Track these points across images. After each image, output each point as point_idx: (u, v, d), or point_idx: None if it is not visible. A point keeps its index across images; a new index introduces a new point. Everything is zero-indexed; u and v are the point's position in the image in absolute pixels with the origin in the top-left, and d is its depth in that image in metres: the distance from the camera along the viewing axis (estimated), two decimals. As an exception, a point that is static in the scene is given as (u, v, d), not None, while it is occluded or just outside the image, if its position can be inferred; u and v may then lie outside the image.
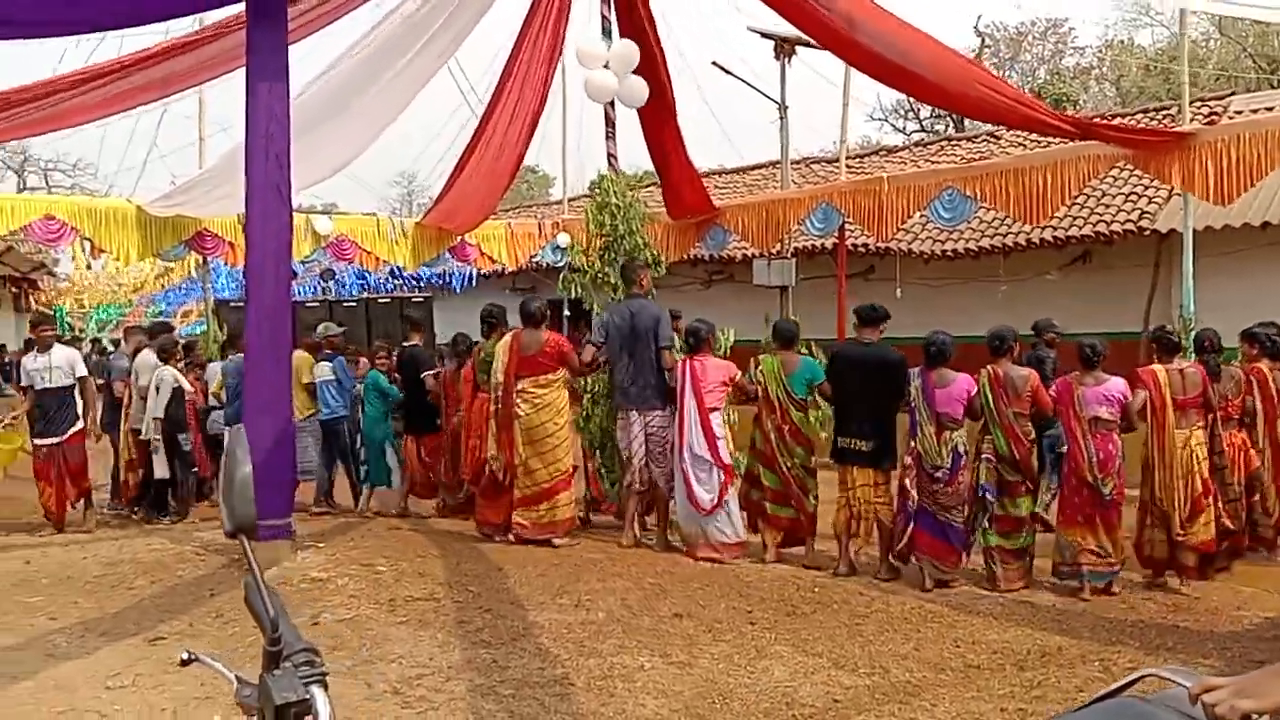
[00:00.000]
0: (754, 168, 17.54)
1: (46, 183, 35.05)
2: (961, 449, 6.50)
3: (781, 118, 12.14)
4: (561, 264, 8.01)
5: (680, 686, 4.66)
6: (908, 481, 6.57)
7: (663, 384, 7.32)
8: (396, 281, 17.15)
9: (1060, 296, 11.36)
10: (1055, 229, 11.28)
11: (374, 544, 7.44)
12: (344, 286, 17.29)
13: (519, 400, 7.34)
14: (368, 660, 4.92)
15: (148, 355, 9.20)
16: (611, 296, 7.88)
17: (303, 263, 13.63)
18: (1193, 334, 7.98)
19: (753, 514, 7.25)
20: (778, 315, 11.32)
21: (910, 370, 6.69)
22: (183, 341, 11.02)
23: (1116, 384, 6.49)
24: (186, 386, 9.16)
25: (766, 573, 6.80)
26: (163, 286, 22.86)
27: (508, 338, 7.57)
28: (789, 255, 12.14)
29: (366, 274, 16.37)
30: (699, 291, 15.11)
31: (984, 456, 6.50)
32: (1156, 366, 6.71)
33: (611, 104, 8.53)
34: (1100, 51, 30.97)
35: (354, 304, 16.26)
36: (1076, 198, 10.13)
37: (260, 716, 1.38)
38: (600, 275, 7.95)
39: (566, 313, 12.87)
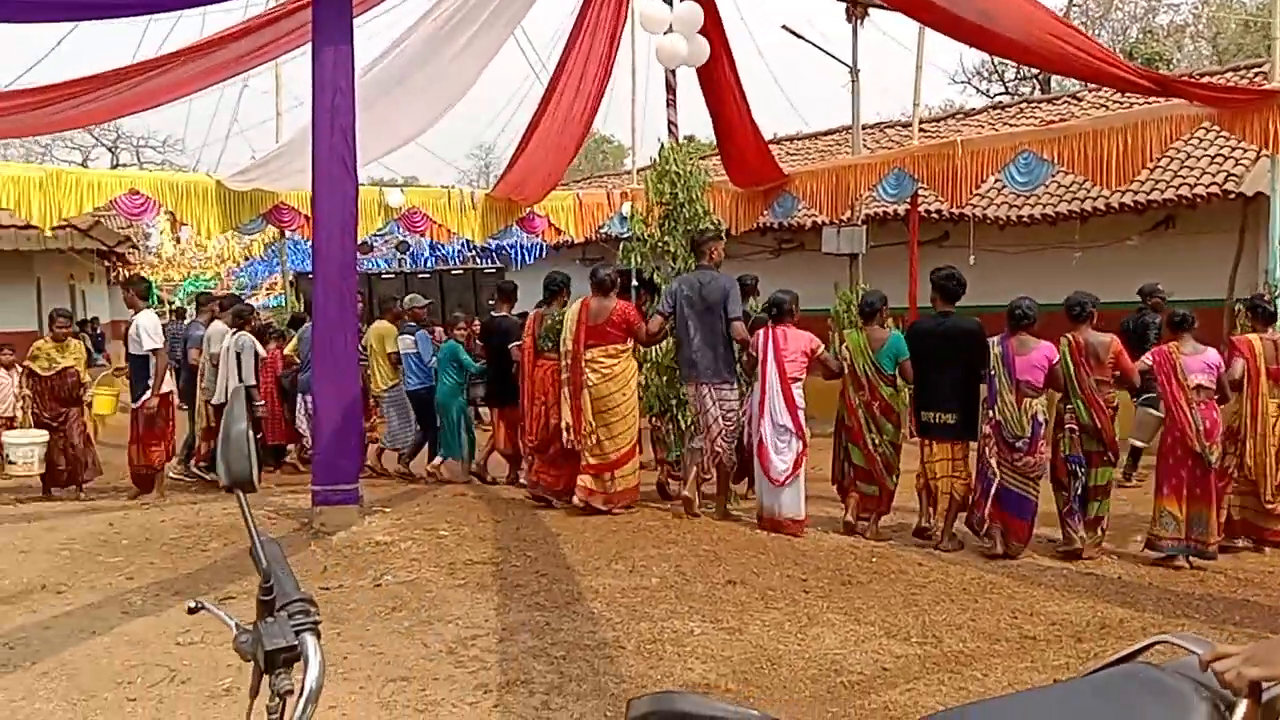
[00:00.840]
0: (825, 134, 17.29)
1: (138, 159, 36.27)
2: (1041, 418, 6.40)
3: (853, 81, 11.93)
4: (628, 234, 8.02)
5: (729, 651, 4.70)
6: (987, 451, 6.49)
7: (731, 357, 7.22)
8: (470, 254, 17.39)
9: (1140, 263, 10.98)
10: (1136, 193, 10.90)
11: (439, 509, 7.61)
12: (418, 259, 17.59)
13: (588, 369, 7.33)
14: (425, 621, 5.06)
15: (219, 325, 9.49)
16: (672, 266, 7.88)
17: (377, 235, 13.92)
18: None
19: (843, 491, 7.20)
20: (847, 284, 11.21)
21: (990, 338, 6.62)
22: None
23: (1212, 353, 6.49)
24: (262, 352, 9.43)
25: (824, 542, 6.79)
26: (244, 260, 23.53)
27: (576, 305, 7.53)
28: (859, 222, 11.96)
29: (440, 246, 16.63)
30: (768, 260, 14.98)
31: (1067, 427, 6.44)
32: (1252, 335, 6.70)
33: (673, 71, 8.49)
34: (1196, 7, 29.64)
35: (428, 275, 16.53)
36: (1159, 160, 9.80)
37: (254, 661, 1.45)
38: (660, 244, 7.94)
39: (635, 283, 12.90)
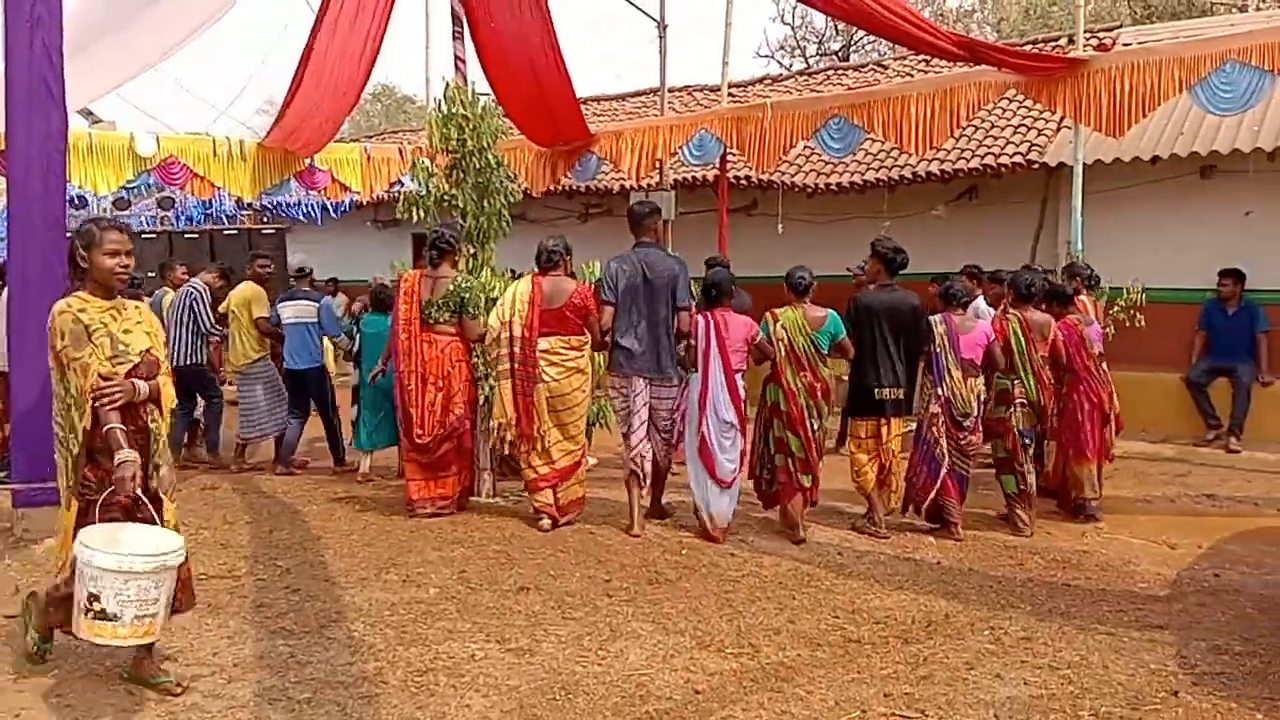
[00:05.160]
0: (633, 95, 16.64)
1: None
2: (982, 396, 6.35)
3: (660, 36, 11.26)
4: (426, 193, 6.94)
5: (516, 679, 3.93)
6: (935, 430, 6.26)
7: (673, 349, 6.25)
8: (245, 212, 15.71)
9: (946, 233, 10.93)
10: (942, 162, 10.80)
11: (177, 509, 6.44)
12: (185, 217, 15.73)
13: (543, 362, 6.19)
14: (134, 658, 4.03)
15: None
16: (460, 224, 6.96)
17: (126, 188, 12.18)
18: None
19: (780, 486, 6.35)
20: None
21: (931, 316, 6.39)
22: None
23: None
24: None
25: (629, 537, 6.11)
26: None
27: (525, 284, 6.31)
28: (668, 188, 11.37)
29: (211, 203, 14.89)
30: (575, 225, 14.25)
31: (1017, 401, 6.41)
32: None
33: (460, -1, 7.50)
34: (982, -8, 30.83)
35: (195, 236, 14.82)
36: (965, 129, 9.65)
37: None
38: (447, 198, 6.99)
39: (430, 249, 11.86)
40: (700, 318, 6.23)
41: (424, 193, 7.06)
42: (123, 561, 3.29)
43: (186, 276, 9.19)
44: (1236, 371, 8.96)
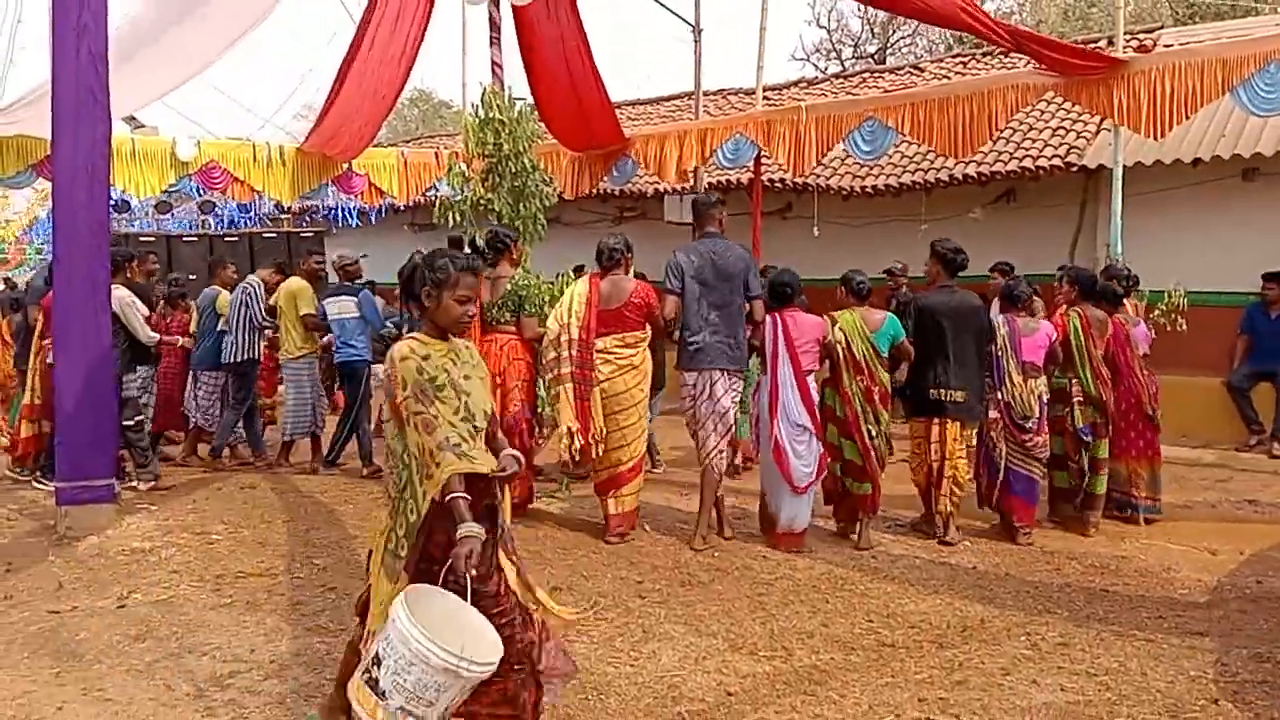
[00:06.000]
0: (667, 98, 16.66)
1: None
2: (1045, 397, 6.32)
3: (695, 40, 11.27)
4: (451, 194, 6.98)
5: (549, 679, 3.95)
6: (994, 434, 6.26)
7: (745, 340, 6.11)
8: (284, 215, 15.91)
9: (984, 235, 10.80)
10: (979, 164, 10.70)
11: (217, 506, 6.55)
12: (225, 220, 15.95)
13: (599, 361, 6.03)
14: (174, 653, 4.11)
15: None
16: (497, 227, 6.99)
17: (168, 191, 12.38)
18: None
19: (829, 492, 6.38)
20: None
21: (994, 317, 6.40)
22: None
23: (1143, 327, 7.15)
24: (143, 309, 7.64)
25: (662, 539, 6.12)
26: (31, 221, 21.18)
27: (583, 284, 6.16)
28: (703, 190, 11.38)
29: (249, 207, 15.11)
30: (610, 228, 14.27)
31: (1074, 400, 6.42)
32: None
33: (497, 4, 7.54)
34: (1021, -5, 30.58)
35: (236, 239, 15.01)
36: (1002, 131, 9.56)
37: None
38: (483, 202, 7.04)
39: (467, 250, 11.94)
40: (769, 317, 6.08)
41: (459, 197, 7.11)
42: (414, 640, 2.60)
43: (237, 275, 9.34)
44: (1278, 376, 8.80)
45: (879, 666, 4.21)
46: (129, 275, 7.65)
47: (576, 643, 4.33)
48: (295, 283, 8.41)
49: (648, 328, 6.16)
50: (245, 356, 8.40)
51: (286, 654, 4.12)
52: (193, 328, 8.92)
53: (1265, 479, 7.97)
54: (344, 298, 8.40)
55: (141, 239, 14.32)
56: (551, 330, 6.13)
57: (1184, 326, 8.66)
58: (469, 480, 2.95)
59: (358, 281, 8.74)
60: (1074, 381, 6.47)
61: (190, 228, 16.08)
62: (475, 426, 3.06)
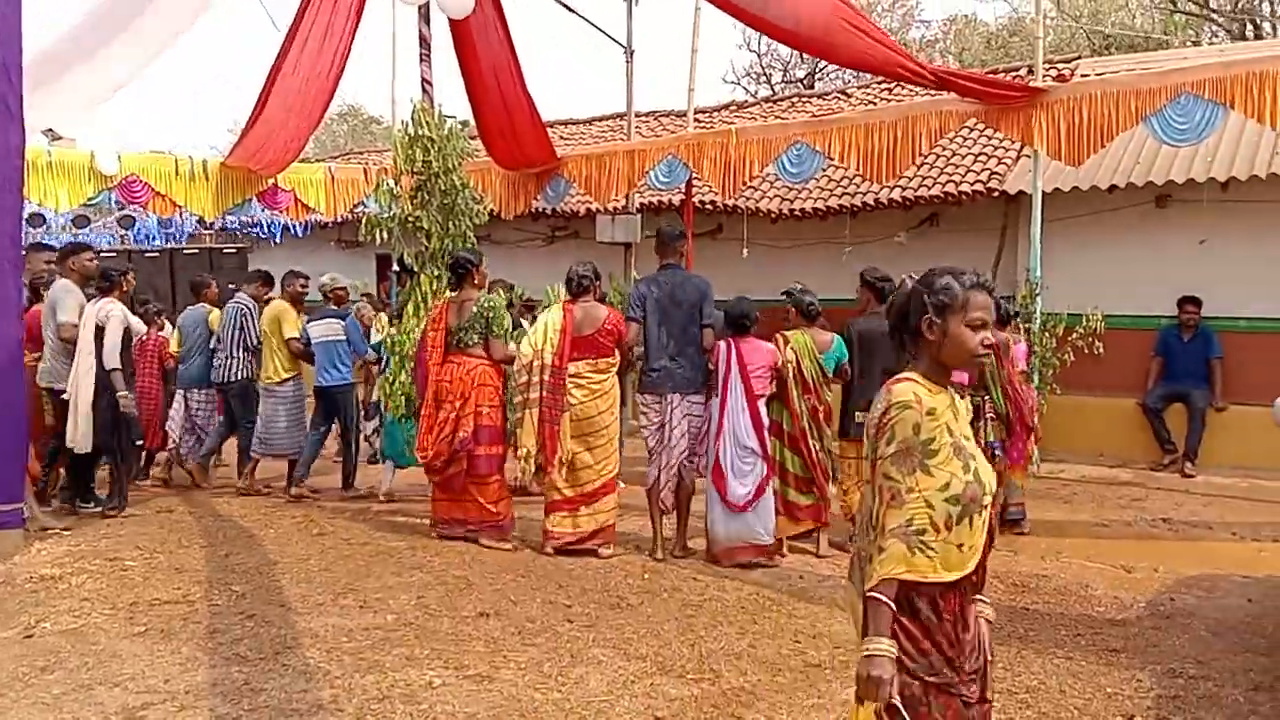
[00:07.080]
0: (600, 119, 16.70)
1: None
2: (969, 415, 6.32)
3: (628, 62, 11.33)
4: (390, 215, 6.87)
5: (474, 707, 3.89)
6: None
7: (703, 365, 6.30)
8: (207, 231, 15.55)
9: (907, 259, 10.97)
10: (903, 189, 10.91)
11: (131, 531, 6.35)
12: (146, 236, 15.54)
13: (571, 385, 6.22)
14: (85, 685, 3.96)
15: (63, 284, 7.06)
16: (425, 245, 6.93)
17: (86, 205, 12.02)
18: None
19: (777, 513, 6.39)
20: (621, 274, 10.63)
21: None
22: None
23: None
24: (140, 327, 7.31)
25: (592, 561, 6.09)
26: None
27: (556, 312, 6.35)
28: (634, 211, 11.41)
29: (172, 222, 14.75)
30: (540, 248, 14.24)
31: (987, 416, 6.53)
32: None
33: (427, 20, 7.48)
34: (945, 25, 31.41)
35: (156, 255, 14.63)
36: (926, 157, 9.77)
37: None
38: (411, 220, 6.96)
39: (395, 268, 11.77)
40: (720, 343, 6.27)
41: (387, 214, 7.02)
42: None
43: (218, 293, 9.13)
44: (1191, 397, 9.10)
45: (806, 687, 4.22)
46: (124, 290, 7.53)
47: (504, 669, 4.28)
48: (279, 306, 8.29)
49: (617, 353, 6.33)
50: (239, 376, 8.27)
51: (203, 684, 3.99)
52: (173, 347, 8.71)
53: (1178, 498, 8.21)
54: (330, 320, 8.29)
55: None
56: (525, 355, 6.31)
57: (1101, 350, 8.89)
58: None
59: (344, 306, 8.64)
60: (986, 399, 6.59)
61: (110, 242, 15.63)
62: (981, 505, 2.33)
